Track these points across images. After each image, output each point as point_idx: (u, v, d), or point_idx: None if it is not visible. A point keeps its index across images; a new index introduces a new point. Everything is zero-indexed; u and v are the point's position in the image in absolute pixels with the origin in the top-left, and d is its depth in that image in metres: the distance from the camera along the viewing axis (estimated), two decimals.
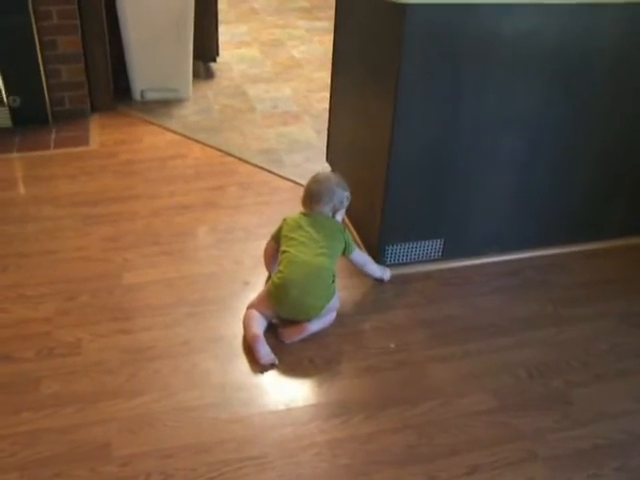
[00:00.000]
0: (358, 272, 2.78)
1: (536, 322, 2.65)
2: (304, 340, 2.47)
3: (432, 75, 2.44)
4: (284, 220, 2.67)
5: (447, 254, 2.87)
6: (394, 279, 2.81)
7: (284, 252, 2.54)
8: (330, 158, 3.30)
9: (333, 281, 2.53)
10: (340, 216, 2.71)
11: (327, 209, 2.65)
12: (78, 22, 3.80)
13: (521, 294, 2.80)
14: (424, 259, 2.86)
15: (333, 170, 3.23)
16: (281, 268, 2.51)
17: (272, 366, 2.37)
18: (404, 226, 2.76)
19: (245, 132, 4.00)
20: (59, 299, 2.62)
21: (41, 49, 3.77)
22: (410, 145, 2.57)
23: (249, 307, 2.54)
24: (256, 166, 3.61)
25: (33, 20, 3.66)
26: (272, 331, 2.49)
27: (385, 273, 2.78)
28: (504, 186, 2.80)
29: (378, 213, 2.72)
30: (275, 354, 2.39)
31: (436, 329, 2.58)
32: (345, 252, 2.63)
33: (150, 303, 2.62)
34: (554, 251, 3.04)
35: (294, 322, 2.50)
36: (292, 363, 2.39)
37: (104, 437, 2.07)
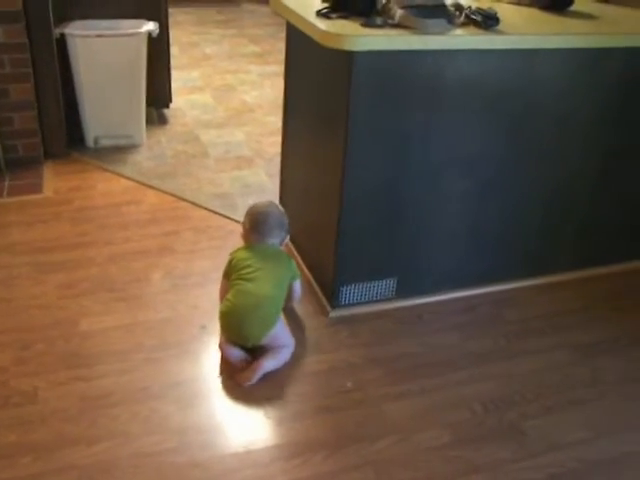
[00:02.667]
0: (314, 313, 2.84)
1: (490, 356, 2.71)
2: (261, 381, 2.49)
3: (381, 119, 2.51)
4: (231, 255, 2.74)
5: (401, 293, 2.92)
6: (349, 319, 2.85)
7: (234, 283, 2.61)
8: (283, 201, 3.35)
9: (277, 310, 2.60)
10: (284, 243, 2.86)
11: (277, 240, 2.78)
12: (31, 70, 3.82)
13: (475, 330, 2.86)
14: (378, 298, 2.90)
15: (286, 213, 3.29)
16: (228, 296, 2.59)
17: (246, 362, 2.52)
18: (357, 266, 2.80)
19: (199, 177, 4.03)
20: (15, 347, 2.61)
21: None
22: (361, 187, 2.62)
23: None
24: (210, 210, 3.64)
25: None
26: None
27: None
28: (455, 224, 2.87)
29: (331, 254, 2.77)
30: (233, 397, 2.42)
31: (392, 367, 2.62)
32: (291, 280, 2.72)
33: (107, 349, 2.62)
34: (507, 286, 3.11)
35: (248, 365, 2.53)
36: (251, 405, 2.42)
37: None
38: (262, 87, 5.73)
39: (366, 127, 2.51)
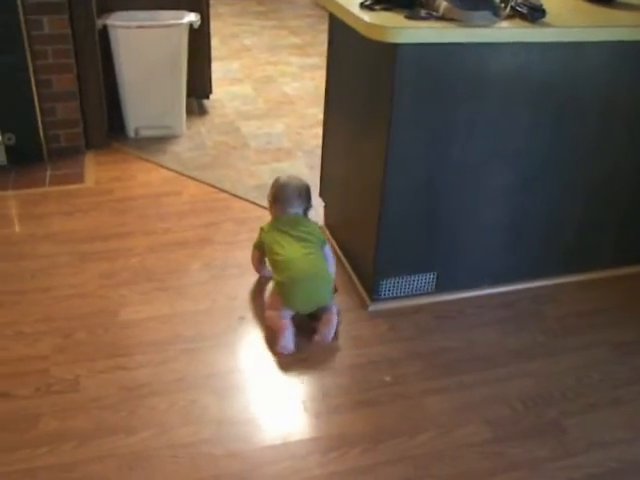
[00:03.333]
0: (353, 307, 2.84)
1: (530, 353, 2.68)
2: (300, 374, 2.51)
3: (424, 112, 2.49)
4: (262, 229, 2.88)
5: (440, 287, 2.90)
6: (388, 313, 2.84)
7: (275, 257, 2.72)
8: (323, 193, 3.34)
9: (327, 268, 2.74)
10: (310, 213, 2.95)
11: (300, 209, 2.88)
12: (73, 61, 3.85)
13: (514, 325, 2.83)
14: (417, 292, 2.89)
15: (326, 205, 3.28)
16: (281, 270, 2.68)
17: (289, 355, 2.58)
18: (398, 260, 2.79)
19: (239, 168, 4.04)
20: (56, 336, 2.64)
21: (36, 87, 3.81)
22: (403, 180, 2.61)
23: (267, 309, 2.74)
24: (250, 202, 3.65)
25: (29, 59, 3.71)
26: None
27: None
28: (496, 219, 2.84)
29: (372, 248, 2.75)
30: (271, 389, 2.43)
31: (431, 362, 2.61)
32: (321, 246, 2.80)
33: (146, 339, 2.64)
34: (546, 282, 3.07)
35: (317, 321, 2.67)
36: (289, 397, 2.42)
37: (103, 474, 2.09)
38: (302, 79, 5.72)
39: (409, 120, 2.49)
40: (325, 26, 3.00)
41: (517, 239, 2.92)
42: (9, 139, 3.87)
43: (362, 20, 2.38)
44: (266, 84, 5.58)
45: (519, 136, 2.67)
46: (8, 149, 3.89)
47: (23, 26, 3.62)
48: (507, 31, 2.42)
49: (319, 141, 3.36)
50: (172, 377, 2.47)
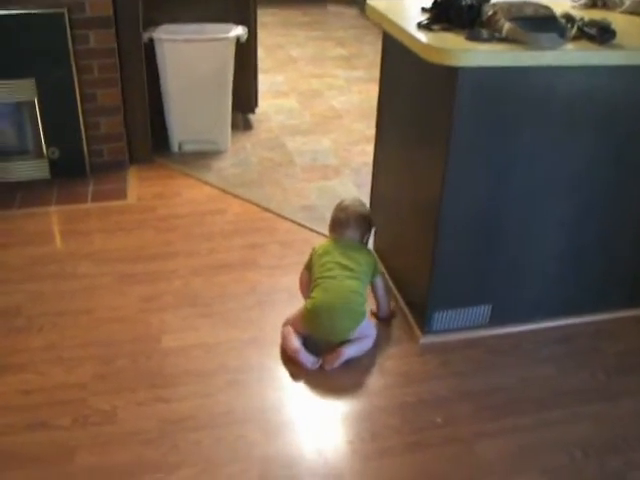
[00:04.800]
0: (403, 339, 2.72)
1: (589, 394, 2.53)
2: (348, 411, 2.40)
3: (484, 138, 2.38)
4: (313, 249, 2.80)
5: (495, 320, 2.77)
6: (440, 346, 2.71)
7: (316, 279, 2.66)
8: (372, 215, 3.22)
9: (363, 304, 2.64)
10: (367, 240, 2.87)
11: (356, 235, 2.79)
12: (118, 75, 3.80)
13: (572, 363, 2.68)
14: (471, 325, 2.76)
15: (376, 228, 3.16)
16: (313, 294, 2.62)
17: (319, 368, 2.54)
18: (452, 291, 2.67)
19: (285, 186, 3.94)
20: (96, 363, 2.56)
21: (81, 102, 3.77)
22: (460, 207, 2.49)
23: (285, 324, 2.68)
24: (297, 223, 3.55)
25: (75, 73, 3.67)
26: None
27: (384, 312, 2.85)
28: (555, 249, 2.70)
29: (425, 277, 2.64)
30: (319, 427, 2.33)
31: (484, 402, 2.47)
32: (372, 277, 2.74)
33: (189, 369, 2.55)
34: (607, 316, 2.92)
35: (331, 348, 2.58)
36: (338, 436, 2.31)
37: None
38: (349, 92, 5.59)
39: (468, 146, 2.38)
40: (371, 37, 2.92)
41: (576, 270, 2.78)
42: (53, 153, 3.82)
43: (419, 41, 2.28)
44: (312, 97, 5.48)
45: (582, 163, 2.54)
46: (52, 163, 3.85)
47: (69, 40, 3.58)
48: (575, 54, 2.29)
49: (366, 158, 3.27)
50: (217, 410, 2.38)
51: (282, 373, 2.56)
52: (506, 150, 2.42)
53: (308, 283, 2.76)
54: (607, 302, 2.92)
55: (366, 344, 2.63)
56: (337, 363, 2.55)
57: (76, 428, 2.28)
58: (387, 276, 3.06)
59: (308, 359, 2.55)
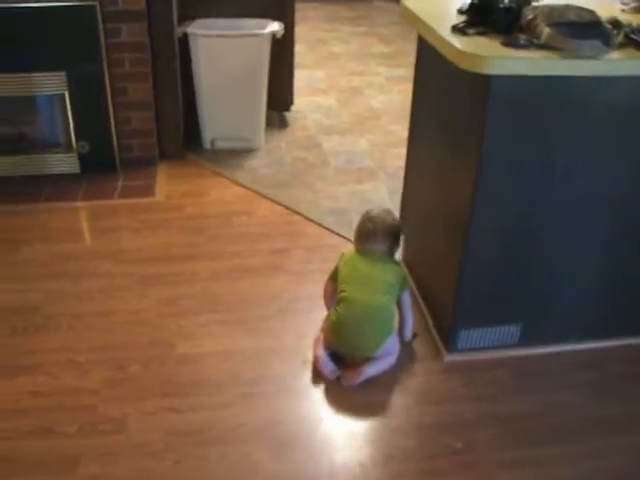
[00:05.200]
0: (427, 356, 2.61)
1: (620, 425, 2.39)
2: (365, 432, 2.29)
3: (518, 149, 2.25)
4: (340, 258, 2.69)
5: (524, 340, 2.63)
6: (465, 366, 2.58)
7: (342, 292, 2.55)
8: (403, 222, 3.11)
9: (392, 319, 2.55)
10: (395, 253, 2.75)
11: (384, 247, 2.65)
12: (150, 70, 3.74)
13: (604, 390, 2.53)
14: (499, 345, 2.62)
15: (406, 238, 3.04)
16: (338, 307, 2.52)
17: (337, 381, 2.46)
18: (480, 308, 2.54)
19: (316, 188, 3.84)
20: (108, 368, 2.51)
21: (112, 96, 3.71)
22: (490, 221, 2.37)
23: (322, 330, 2.62)
24: (325, 228, 3.44)
25: (106, 67, 3.61)
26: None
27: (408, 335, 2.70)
28: (590, 268, 2.56)
29: (452, 292, 2.52)
30: (333, 445, 2.23)
31: (507, 427, 2.34)
32: (399, 291, 2.62)
33: (203, 378, 2.48)
34: None
35: (353, 364, 2.49)
36: (351, 457, 2.20)
37: None
38: (390, 91, 5.46)
39: (501, 157, 2.25)
40: (415, 35, 2.76)
41: (612, 291, 2.64)
42: (83, 147, 3.78)
43: (453, 46, 2.15)
44: (351, 96, 5.35)
45: (621, 179, 2.39)
46: (81, 157, 3.81)
47: (101, 34, 3.52)
48: (620, 63, 2.14)
49: (402, 162, 3.14)
50: (228, 424, 2.29)
51: (297, 387, 2.48)
52: (541, 164, 2.29)
53: (333, 294, 2.66)
54: None
55: (388, 362, 2.53)
56: (357, 381, 2.46)
57: (83, 436, 2.22)
58: (415, 289, 2.94)
59: (328, 366, 2.48)
